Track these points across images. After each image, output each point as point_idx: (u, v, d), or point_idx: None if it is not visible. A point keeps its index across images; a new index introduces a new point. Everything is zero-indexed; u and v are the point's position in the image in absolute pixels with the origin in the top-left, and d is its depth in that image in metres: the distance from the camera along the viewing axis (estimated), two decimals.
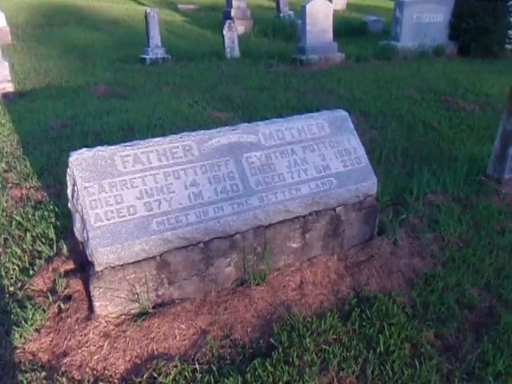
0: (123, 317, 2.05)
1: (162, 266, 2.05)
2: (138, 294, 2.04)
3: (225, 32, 7.61)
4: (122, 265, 1.97)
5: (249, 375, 1.83)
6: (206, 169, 2.18)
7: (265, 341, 2.03)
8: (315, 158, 2.41)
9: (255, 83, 6.40)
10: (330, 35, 7.53)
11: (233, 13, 10.45)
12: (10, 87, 5.70)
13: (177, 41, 9.57)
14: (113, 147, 2.10)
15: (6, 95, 5.59)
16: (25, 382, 1.79)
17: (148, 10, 7.39)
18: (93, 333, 1.96)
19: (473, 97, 5.82)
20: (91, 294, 1.97)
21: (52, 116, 4.71)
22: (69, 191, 2.03)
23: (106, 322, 2.02)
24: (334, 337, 2.06)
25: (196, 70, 7.06)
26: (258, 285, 2.28)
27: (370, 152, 4.12)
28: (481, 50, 8.25)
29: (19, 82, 6.19)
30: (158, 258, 2.03)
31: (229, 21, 7.74)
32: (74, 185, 1.99)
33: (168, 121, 4.51)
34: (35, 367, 1.87)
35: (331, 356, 1.94)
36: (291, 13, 12.03)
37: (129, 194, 2.02)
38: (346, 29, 9.97)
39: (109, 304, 2.01)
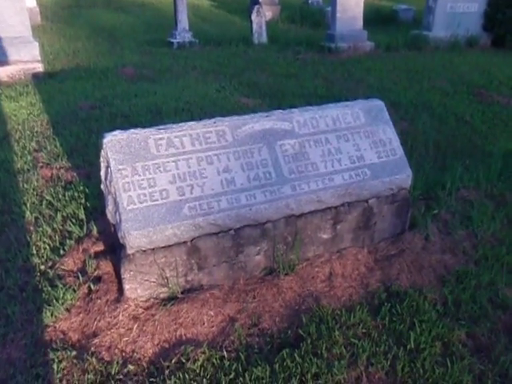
0: (152, 300, 2.06)
1: (192, 251, 2.04)
2: (167, 278, 2.04)
3: (253, 17, 7.50)
4: (153, 249, 1.97)
5: (277, 365, 1.81)
6: (239, 155, 2.15)
7: (293, 331, 2.01)
8: (349, 147, 2.35)
9: (282, 70, 6.31)
10: (361, 23, 7.35)
11: None
12: (39, 67, 5.75)
13: (204, 25, 9.49)
14: (146, 130, 2.09)
15: (36, 75, 5.65)
16: (56, 359, 1.82)
17: None
18: (122, 315, 1.97)
19: (507, 90, 5.62)
20: (122, 277, 1.98)
21: (81, 97, 4.74)
22: (102, 173, 2.03)
23: (135, 305, 2.02)
24: (364, 331, 2.02)
25: (223, 54, 6.99)
26: (286, 274, 2.26)
27: (401, 144, 4.04)
28: None
29: (49, 62, 6.24)
30: (188, 243, 2.02)
31: (257, 6, 7.62)
32: (108, 167, 1.99)
33: (195, 105, 4.48)
34: (65, 346, 1.89)
35: (360, 350, 1.91)
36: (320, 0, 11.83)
37: (162, 177, 2.00)
38: (376, 17, 9.72)
39: (138, 287, 2.01)
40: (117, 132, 2.05)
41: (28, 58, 5.77)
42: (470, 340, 2.08)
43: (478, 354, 2.02)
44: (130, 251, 1.94)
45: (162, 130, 2.09)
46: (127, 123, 3.92)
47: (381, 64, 6.62)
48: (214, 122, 2.19)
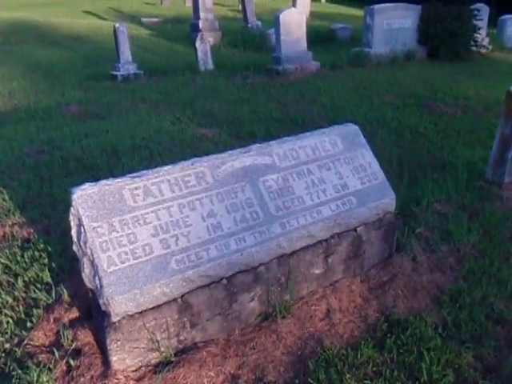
0: (143, 369, 1.84)
1: (184, 308, 1.85)
2: (158, 341, 1.83)
3: (197, 45, 7.43)
4: (141, 312, 1.76)
5: None
6: (222, 197, 2.00)
7: (301, 380, 1.87)
8: (332, 176, 2.28)
9: (234, 96, 6.25)
10: (305, 44, 7.49)
11: (201, 24, 10.29)
12: None
13: (146, 55, 9.30)
14: (119, 179, 1.90)
15: None
16: None
17: (117, 24, 7.12)
18: None
19: (452, 100, 5.89)
20: (108, 348, 1.75)
21: (25, 141, 4.39)
22: (73, 232, 1.81)
23: (125, 377, 1.79)
24: (374, 369, 1.92)
25: (171, 84, 6.84)
26: (283, 318, 2.12)
27: None
28: (449, 54, 8.45)
29: None
30: (179, 300, 1.84)
31: (201, 33, 7.57)
32: (80, 225, 1.77)
33: (152, 141, 4.28)
34: None
35: None
36: (259, 23, 11.99)
37: (142, 231, 1.82)
38: (316, 37, 9.99)
39: (127, 357, 1.79)
40: (86, 185, 1.85)
41: None
42: (478, 362, 2.03)
43: (489, 375, 1.97)
44: (115, 319, 1.72)
45: (136, 179, 1.91)
46: (82, 167, 3.66)
47: (329, 83, 6.74)
48: (192, 164, 2.03)
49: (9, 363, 1.91)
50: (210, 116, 5.35)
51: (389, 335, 2.08)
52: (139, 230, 1.81)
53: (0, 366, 1.91)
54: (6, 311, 2.17)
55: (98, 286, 1.71)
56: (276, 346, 2.01)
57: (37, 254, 2.52)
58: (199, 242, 1.88)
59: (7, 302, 2.23)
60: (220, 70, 7.72)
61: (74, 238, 1.81)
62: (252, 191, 2.07)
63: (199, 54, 7.51)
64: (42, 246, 2.58)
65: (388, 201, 2.38)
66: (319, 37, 10.42)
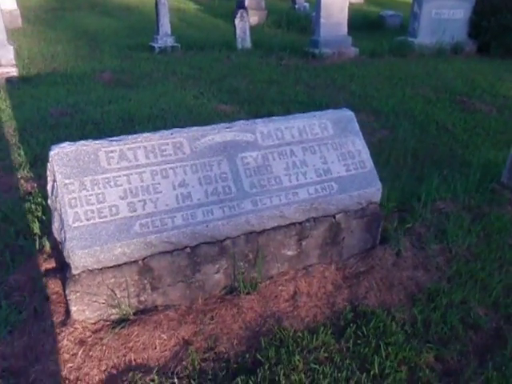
0: (102, 323, 1.93)
1: (144, 271, 1.92)
2: (118, 299, 1.91)
3: (236, 22, 7.40)
4: (101, 268, 1.84)
5: None
6: (196, 168, 2.03)
7: (251, 355, 1.90)
8: (316, 160, 2.25)
9: (264, 76, 6.22)
10: (345, 29, 7.29)
11: (247, 2, 10.21)
12: (14, 72, 5.60)
13: (188, 29, 9.38)
14: (97, 142, 1.97)
15: (9, 80, 5.49)
16: None
17: None
18: (67, 339, 1.84)
19: (490, 98, 5.57)
20: (67, 298, 1.85)
21: (53, 103, 4.59)
22: (49, 187, 1.90)
23: (82, 327, 1.89)
24: (326, 355, 1.91)
25: (205, 60, 6.88)
26: (248, 294, 2.14)
27: (379, 153, 3.95)
28: (501, 50, 7.93)
29: (24, 66, 6.08)
30: (140, 262, 1.90)
31: (241, 10, 7.53)
32: (54, 181, 1.86)
33: (170, 112, 4.36)
34: (4, 374, 1.76)
35: (321, 376, 1.80)
36: (307, 5, 11.75)
37: (112, 192, 1.88)
38: (363, 23, 9.69)
39: (86, 309, 1.89)
40: (65, 144, 1.93)
41: (2, 63, 5.62)
42: (439, 363, 1.98)
43: (447, 378, 1.92)
44: (75, 271, 1.81)
45: (114, 142, 1.97)
46: (96, 131, 3.80)
47: (364, 70, 6.55)
48: (172, 134, 2.07)
49: None
50: (235, 93, 5.36)
51: (351, 325, 2.06)
52: (109, 191, 1.88)
53: None
54: None
55: (63, 239, 1.80)
56: (235, 319, 2.05)
57: (33, 206, 2.67)
58: (166, 210, 1.93)
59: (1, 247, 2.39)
60: (257, 49, 7.68)
61: (49, 193, 1.90)
62: (228, 166, 2.09)
63: (238, 31, 7.48)
64: (39, 199, 2.73)
65: (373, 191, 2.32)
66: (366, 23, 10.09)
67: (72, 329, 1.87)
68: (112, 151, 1.95)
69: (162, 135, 2.05)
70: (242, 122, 2.24)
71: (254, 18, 10.09)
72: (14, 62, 5.69)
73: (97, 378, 1.77)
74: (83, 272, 1.82)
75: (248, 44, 7.66)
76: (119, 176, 1.92)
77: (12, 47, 5.75)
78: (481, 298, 2.32)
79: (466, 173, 3.54)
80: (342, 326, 2.08)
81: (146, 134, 2.05)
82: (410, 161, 3.85)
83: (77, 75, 5.81)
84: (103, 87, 5.38)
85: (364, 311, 2.15)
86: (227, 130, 2.16)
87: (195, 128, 2.15)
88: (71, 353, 1.81)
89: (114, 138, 2.01)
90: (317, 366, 1.84)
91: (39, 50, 7.11)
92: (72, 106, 4.48)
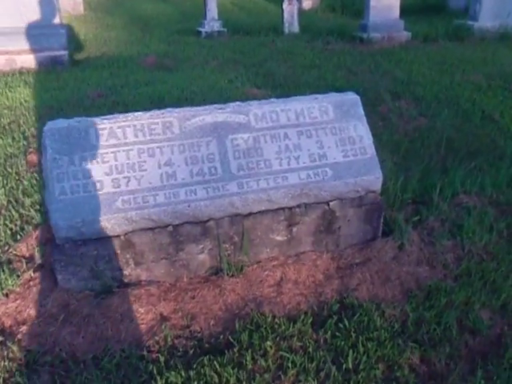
0: (87, 292, 2.02)
1: (126, 245, 1.97)
2: (101, 271, 1.99)
3: (284, 6, 7.28)
4: (84, 240, 1.92)
5: (194, 372, 1.71)
6: (184, 148, 2.04)
7: (225, 337, 1.90)
8: (311, 144, 2.17)
9: (307, 60, 6.08)
10: (397, 12, 6.91)
11: None
12: (64, 55, 5.92)
13: (239, 13, 9.39)
14: (90, 119, 2.04)
15: (62, 63, 5.83)
16: None
17: None
18: (52, 304, 1.95)
19: None
20: (54, 267, 1.95)
21: (93, 85, 4.81)
22: (43, 161, 2.00)
23: (67, 295, 1.99)
24: (300, 344, 1.86)
25: (249, 44, 6.86)
26: (232, 276, 2.14)
27: (410, 142, 3.74)
28: None
29: (77, 50, 6.41)
30: (122, 237, 1.96)
31: None
32: (46, 155, 1.96)
33: (200, 95, 4.41)
34: None
35: (290, 364, 1.76)
36: None
37: (98, 169, 1.95)
38: (422, 5, 9.13)
39: (72, 278, 1.98)
40: (60, 120, 2.02)
41: (55, 46, 5.96)
42: (424, 365, 1.85)
43: (428, 381, 1.80)
44: (59, 242, 1.91)
45: (105, 120, 2.03)
46: (125, 111, 3.91)
47: (413, 56, 6.20)
48: (162, 113, 2.09)
49: None
50: (271, 78, 5.30)
51: (334, 316, 1.99)
52: (95, 167, 1.94)
53: None
54: (9, 224, 2.51)
55: (50, 211, 1.90)
56: (216, 300, 2.05)
57: None
58: (149, 187, 1.96)
59: (13, 217, 2.57)
60: (304, 33, 7.52)
61: (43, 166, 2.00)
62: (217, 147, 2.07)
63: (285, 15, 7.36)
64: None
65: (371, 179, 2.20)
66: (427, 5, 9.50)
67: (58, 295, 1.98)
68: (102, 129, 2.01)
69: (152, 114, 2.08)
70: (236, 103, 2.21)
71: (307, 2, 9.88)
72: (65, 45, 6.02)
73: (75, 343, 1.86)
74: (67, 243, 1.91)
75: (295, 28, 7.52)
76: (107, 153, 1.97)
77: (64, 31, 6.08)
78: (487, 300, 2.13)
79: (497, 165, 3.26)
80: (325, 317, 2.01)
81: (137, 113, 2.09)
82: (444, 151, 3.60)
83: (123, 59, 6.04)
84: (144, 70, 5.54)
85: (352, 303, 2.07)
86: (220, 111, 2.15)
87: (187, 108, 2.15)
88: (54, 318, 1.92)
89: (107, 117, 2.07)
90: (288, 354, 1.80)
91: (94, 35, 7.46)
92: (109, 88, 4.67)
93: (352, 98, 2.32)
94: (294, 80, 5.21)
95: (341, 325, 1.94)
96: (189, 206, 1.97)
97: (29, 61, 5.77)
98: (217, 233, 2.06)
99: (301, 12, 9.55)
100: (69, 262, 1.93)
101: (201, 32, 7.34)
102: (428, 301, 2.11)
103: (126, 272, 2.04)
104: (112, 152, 1.98)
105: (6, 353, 1.80)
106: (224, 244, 2.10)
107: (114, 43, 7.08)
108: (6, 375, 1.73)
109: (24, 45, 5.85)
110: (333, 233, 2.28)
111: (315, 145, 2.18)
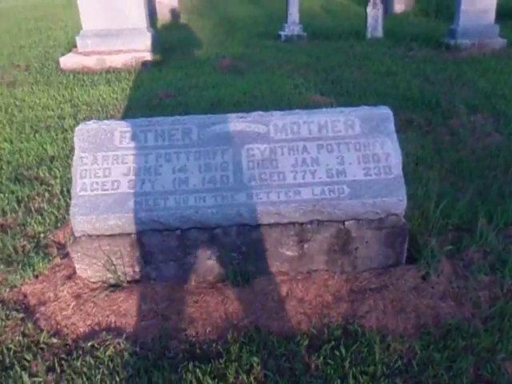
0: (100, 283, 2.16)
1: (136, 244, 2.07)
2: (114, 265, 2.11)
3: (368, 10, 7.03)
4: (98, 235, 2.05)
5: (177, 376, 1.75)
6: (199, 155, 2.09)
7: (217, 346, 1.91)
8: (331, 159, 2.09)
9: (383, 67, 5.82)
10: (492, 16, 6.30)
11: None
12: (148, 56, 6.34)
13: (325, 17, 9.26)
14: (117, 122, 2.17)
15: (144, 63, 6.25)
16: (3, 315, 2.04)
17: None
18: (67, 291, 2.12)
19: None
20: (72, 256, 2.12)
21: (165, 85, 5.09)
22: (73, 158, 2.18)
23: (83, 284, 2.15)
24: (289, 365, 1.81)
25: (326, 49, 6.75)
26: (237, 286, 2.14)
27: (475, 161, 3.41)
28: None
29: (160, 52, 6.80)
30: (132, 235, 2.06)
31: None
32: (74, 153, 2.12)
33: (260, 99, 4.45)
34: (19, 308, 2.11)
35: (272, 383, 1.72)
36: None
37: (117, 169, 2.07)
38: None
39: (88, 269, 2.13)
40: (91, 122, 2.18)
41: (140, 48, 6.41)
42: None
43: None
44: (77, 234, 2.06)
45: (130, 124, 2.15)
46: (184, 113, 4.10)
47: (505, 65, 5.61)
48: (184, 120, 2.16)
49: (34, 247, 2.49)
50: (340, 84, 5.16)
51: (333, 342, 1.89)
52: (115, 167, 2.07)
53: (29, 248, 2.50)
54: (55, 211, 2.77)
55: (71, 205, 2.06)
56: (217, 308, 2.07)
57: None
58: (161, 191, 2.03)
59: (61, 205, 2.83)
60: (388, 38, 7.19)
61: (73, 162, 2.18)
62: (232, 156, 2.09)
63: (369, 19, 7.11)
64: None
65: (393, 201, 2.05)
66: None
67: (73, 283, 2.15)
68: (126, 131, 2.12)
69: (174, 120, 2.16)
70: (258, 113, 2.20)
71: (399, 6, 9.43)
72: (150, 48, 6.44)
73: (81, 329, 2.00)
74: (83, 236, 2.06)
75: (379, 33, 7.22)
76: (127, 155, 2.09)
77: (150, 34, 6.50)
78: None
79: None
80: (323, 341, 1.92)
81: (160, 118, 2.17)
82: (510, 175, 3.23)
83: (200, 61, 6.29)
84: (216, 73, 5.73)
85: (355, 331, 1.95)
86: (240, 119, 2.15)
87: (209, 116, 2.19)
88: (67, 303, 2.08)
89: (132, 120, 2.18)
90: (271, 374, 1.76)
91: (181, 38, 7.87)
92: (178, 89, 4.90)
93: (383, 112, 2.18)
94: (362, 87, 5.02)
95: (337, 352, 1.85)
96: (196, 213, 2.01)
97: (116, 61, 6.27)
98: (224, 241, 2.07)
99: (391, 16, 9.16)
100: (85, 253, 2.08)
101: (280, 35, 7.38)
102: (443, 340, 1.92)
103: (136, 269, 2.14)
104: (132, 154, 2.09)
105: (22, 329, 1.99)
106: (232, 253, 2.11)
107: (196, 45, 7.40)
108: (18, 349, 1.91)
109: (114, 46, 6.38)
110: (349, 253, 2.16)
111: (335, 160, 2.09)
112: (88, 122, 2.17)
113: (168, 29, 8.62)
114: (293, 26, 7.33)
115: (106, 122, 2.17)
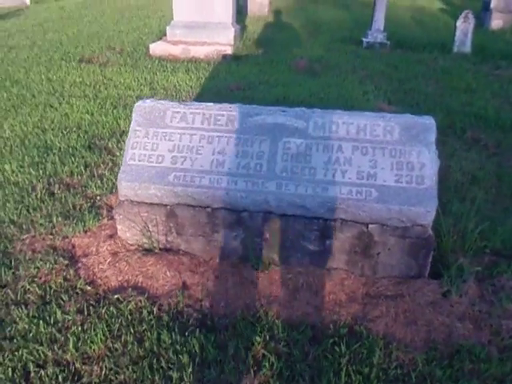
0: (135, 246, 2.38)
1: (170, 215, 2.26)
2: (150, 232, 2.32)
3: (458, 23, 6.71)
4: (139, 202, 2.27)
5: (183, 338, 1.90)
6: (239, 142, 2.22)
7: (225, 322, 2.02)
8: (364, 162, 2.12)
9: (462, 83, 5.56)
10: None
11: (493, 3, 8.98)
12: (229, 50, 6.61)
13: (413, 27, 8.97)
14: (171, 103, 2.37)
15: (224, 56, 6.53)
16: (52, 260, 2.34)
17: None
18: (107, 248, 2.37)
19: None
20: (115, 218, 2.36)
21: (238, 79, 5.30)
22: (129, 130, 2.42)
23: (121, 244, 2.39)
24: (287, 351, 1.89)
25: (406, 59, 6.56)
26: (257, 270, 2.24)
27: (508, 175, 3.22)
28: None
29: (242, 47, 7.04)
30: (168, 207, 2.25)
31: (466, 11, 6.75)
32: (131, 126, 2.36)
33: (326, 101, 4.49)
34: (66, 255, 2.40)
35: (267, 364, 1.81)
36: None
37: (164, 144, 2.27)
38: None
39: (127, 231, 2.36)
40: (148, 100, 2.40)
41: (223, 42, 6.70)
42: None
43: None
44: (121, 198, 2.30)
45: (182, 105, 2.34)
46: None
47: None
48: (230, 107, 2.30)
49: (90, 206, 2.79)
50: (411, 96, 5.03)
51: (335, 338, 1.94)
52: (162, 143, 2.27)
53: (87, 206, 2.80)
54: (113, 178, 3.07)
55: (120, 171, 2.30)
56: (234, 287, 2.18)
57: None
58: (199, 170, 2.20)
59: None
60: (476, 54, 6.81)
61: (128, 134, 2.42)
62: (269, 147, 2.19)
63: (457, 33, 6.80)
64: None
65: (421, 211, 2.04)
66: None
67: (113, 242, 2.39)
68: (177, 112, 2.32)
69: (221, 107, 2.31)
70: (300, 108, 2.28)
71: (497, 22, 8.86)
72: (232, 42, 6.71)
73: (112, 283, 2.23)
74: (126, 200, 2.29)
75: (467, 48, 6.87)
76: (174, 133, 2.28)
77: (234, 29, 6.77)
78: None
79: None
80: (326, 336, 1.97)
81: (209, 104, 2.34)
82: None
83: (277, 59, 6.43)
84: (290, 72, 5.83)
85: (361, 332, 1.98)
86: (282, 113, 2.25)
87: (253, 106, 2.32)
88: (104, 259, 2.32)
89: (184, 103, 2.37)
90: (269, 355, 1.84)
91: (265, 35, 8.07)
92: (249, 83, 5.09)
93: (426, 122, 2.16)
94: (434, 101, 4.85)
95: (337, 348, 1.89)
96: (227, 194, 2.15)
97: (200, 51, 6.62)
98: (249, 224, 2.19)
99: (485, 31, 8.65)
100: (126, 217, 2.31)
101: (363, 42, 7.31)
102: (450, 359, 1.88)
103: (169, 238, 2.33)
104: (179, 133, 2.27)
105: (65, 274, 2.27)
106: (256, 238, 2.22)
107: (278, 43, 7.55)
108: (58, 290, 2.18)
109: (199, 37, 6.74)
110: (370, 257, 2.18)
111: (368, 163, 2.11)
112: (146, 100, 2.40)
113: (254, 25, 8.87)
114: (376, 33, 7.22)
115: (161, 101, 2.38)
